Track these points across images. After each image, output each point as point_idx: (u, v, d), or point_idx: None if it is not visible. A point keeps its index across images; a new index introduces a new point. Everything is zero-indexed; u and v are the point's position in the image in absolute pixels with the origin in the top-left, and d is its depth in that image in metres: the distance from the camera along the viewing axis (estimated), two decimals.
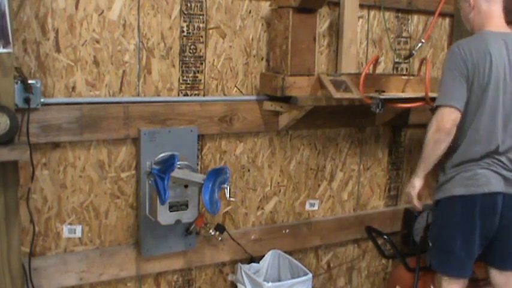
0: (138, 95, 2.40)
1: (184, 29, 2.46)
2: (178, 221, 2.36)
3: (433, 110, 2.38)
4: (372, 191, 3.20)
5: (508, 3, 2.43)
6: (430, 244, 2.52)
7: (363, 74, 2.47)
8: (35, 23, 2.15)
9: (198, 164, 2.54)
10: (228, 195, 2.31)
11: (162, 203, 2.22)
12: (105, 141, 2.34)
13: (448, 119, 2.29)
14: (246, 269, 2.64)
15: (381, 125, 3.11)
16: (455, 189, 2.36)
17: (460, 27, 3.23)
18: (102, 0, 2.26)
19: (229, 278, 2.75)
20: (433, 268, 2.49)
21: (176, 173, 2.23)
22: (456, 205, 2.36)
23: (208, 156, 2.61)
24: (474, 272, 2.51)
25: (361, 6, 2.86)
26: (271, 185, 2.82)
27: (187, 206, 2.37)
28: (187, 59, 2.48)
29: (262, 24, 2.65)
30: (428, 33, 3.13)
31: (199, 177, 2.28)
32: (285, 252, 2.80)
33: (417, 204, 2.49)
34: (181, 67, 2.48)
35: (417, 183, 2.46)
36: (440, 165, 2.46)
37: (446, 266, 2.42)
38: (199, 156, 2.57)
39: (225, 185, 2.27)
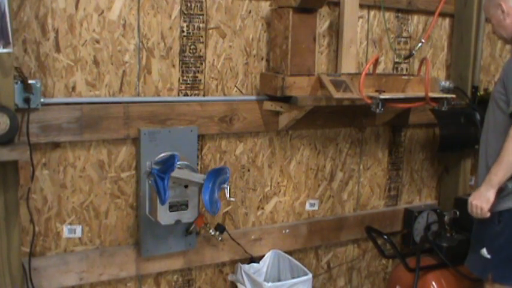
0: (138, 95, 2.40)
1: (184, 29, 2.45)
2: (178, 221, 2.36)
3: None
4: (372, 191, 3.20)
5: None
6: (490, 256, 2.37)
7: (363, 74, 2.47)
8: (35, 23, 2.15)
9: (198, 164, 2.54)
10: (228, 195, 2.31)
11: (162, 203, 2.21)
12: (105, 141, 2.34)
13: None
14: (246, 269, 2.64)
15: (381, 125, 3.11)
16: None
17: (460, 27, 3.24)
18: (102, 0, 2.26)
19: (229, 278, 2.75)
20: (496, 280, 2.35)
21: (176, 173, 2.23)
22: None
23: (208, 156, 2.61)
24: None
25: (361, 6, 2.86)
26: (271, 185, 2.82)
27: (187, 206, 2.37)
28: (187, 59, 2.48)
29: (262, 24, 2.65)
30: (428, 33, 3.13)
31: (199, 177, 2.28)
32: (285, 252, 2.80)
33: (488, 216, 2.32)
34: (181, 67, 2.48)
35: (492, 195, 2.28)
36: None
37: None
38: (199, 156, 2.57)
39: (225, 185, 2.28)
